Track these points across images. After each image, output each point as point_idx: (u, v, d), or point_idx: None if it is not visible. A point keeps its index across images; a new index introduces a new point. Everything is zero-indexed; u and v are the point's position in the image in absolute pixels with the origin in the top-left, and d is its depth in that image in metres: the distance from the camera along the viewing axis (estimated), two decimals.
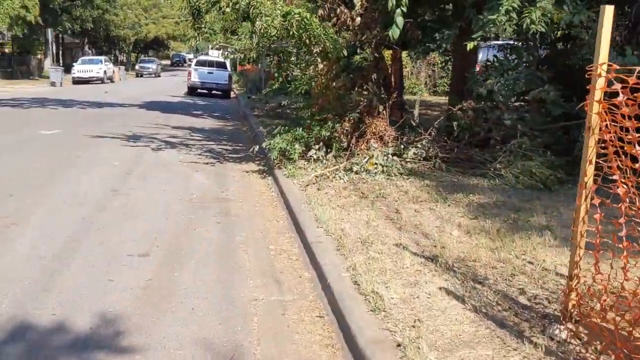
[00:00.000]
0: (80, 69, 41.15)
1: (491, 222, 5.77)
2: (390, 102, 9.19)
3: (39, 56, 48.90)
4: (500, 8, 6.74)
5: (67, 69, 43.10)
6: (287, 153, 8.76)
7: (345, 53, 8.35)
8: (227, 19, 9.38)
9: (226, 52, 12.27)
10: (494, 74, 9.03)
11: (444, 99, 23.54)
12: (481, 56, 20.59)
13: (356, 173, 8.00)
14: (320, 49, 8.35)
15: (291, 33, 8.08)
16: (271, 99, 26.70)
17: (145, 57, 72.79)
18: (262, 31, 7.93)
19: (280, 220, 6.62)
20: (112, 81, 43.06)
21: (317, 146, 8.83)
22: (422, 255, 4.83)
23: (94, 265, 4.87)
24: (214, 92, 30.01)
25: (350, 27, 8.22)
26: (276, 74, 9.99)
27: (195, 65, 31.01)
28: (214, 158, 10.67)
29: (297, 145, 8.72)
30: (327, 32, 7.94)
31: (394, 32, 6.53)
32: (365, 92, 9.22)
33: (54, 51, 56.33)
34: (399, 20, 6.52)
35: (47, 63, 47.77)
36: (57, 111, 18.50)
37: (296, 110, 12.99)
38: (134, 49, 75.75)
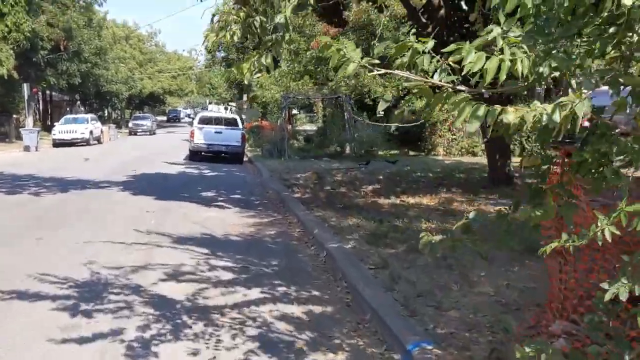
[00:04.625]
0: (62, 129, 34.91)
1: None
2: None
3: (22, 116, 42.70)
4: None
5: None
6: None
7: None
8: None
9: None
10: None
11: None
12: None
13: None
14: None
15: None
16: (298, 162, 20.46)
17: (139, 113, 66.99)
18: None
19: None
20: (99, 142, 36.83)
21: None
22: None
23: None
24: (223, 155, 23.53)
25: None
26: None
27: (199, 122, 24.57)
28: None
29: None
30: None
31: None
32: None
33: (40, 109, 50.34)
34: None
35: (29, 123, 41.43)
36: None
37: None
38: (128, 105, 70.12)
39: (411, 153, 22.41)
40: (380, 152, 22.31)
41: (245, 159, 24.53)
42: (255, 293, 6.07)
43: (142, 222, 9.75)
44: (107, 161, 22.86)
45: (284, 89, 26.20)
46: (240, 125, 25.11)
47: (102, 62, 48.75)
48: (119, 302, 5.61)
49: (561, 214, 2.56)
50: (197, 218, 10.39)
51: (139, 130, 50.88)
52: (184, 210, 11.33)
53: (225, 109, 58.72)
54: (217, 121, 24.64)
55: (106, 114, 63.82)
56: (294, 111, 40.83)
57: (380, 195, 12.02)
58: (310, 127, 41.32)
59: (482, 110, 2.36)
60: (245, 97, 40.07)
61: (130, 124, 54.18)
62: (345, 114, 23.61)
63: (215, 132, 23.52)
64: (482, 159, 20.10)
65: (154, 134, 51.24)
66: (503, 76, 2.31)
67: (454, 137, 21.75)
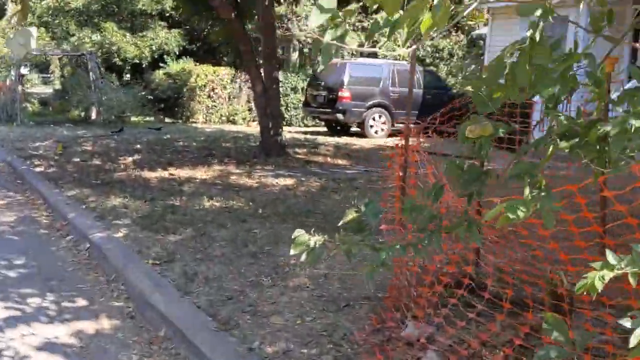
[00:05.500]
0: None
1: None
2: None
3: None
4: None
5: None
6: None
7: None
8: None
9: None
10: None
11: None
12: None
13: None
14: None
15: None
16: (35, 129, 17.26)
17: None
18: None
19: None
20: None
21: None
22: None
23: None
24: None
25: None
26: None
27: None
28: None
29: None
30: None
31: None
32: None
33: None
34: None
35: None
36: None
37: None
38: None
39: (167, 120, 20.74)
40: (133, 118, 20.26)
41: None
42: None
43: None
44: None
45: None
46: None
47: None
48: None
49: (537, 210, 1.66)
50: None
51: None
52: None
53: None
54: None
55: None
56: (24, 70, 35.65)
57: (144, 167, 10.48)
58: (44, 90, 36.61)
59: None
60: None
61: None
62: (91, 74, 20.93)
63: None
64: (244, 128, 19.42)
65: None
66: None
67: (214, 104, 20.63)
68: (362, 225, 2.17)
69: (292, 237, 2.17)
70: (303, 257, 2.16)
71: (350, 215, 2.17)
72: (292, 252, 2.17)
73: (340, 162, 12.06)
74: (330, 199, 7.97)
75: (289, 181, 9.31)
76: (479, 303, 3.24)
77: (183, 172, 9.96)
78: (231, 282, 4.71)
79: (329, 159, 12.26)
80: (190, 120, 20.56)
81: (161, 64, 22.04)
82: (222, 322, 3.95)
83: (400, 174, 3.79)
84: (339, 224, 2.21)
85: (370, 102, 17.23)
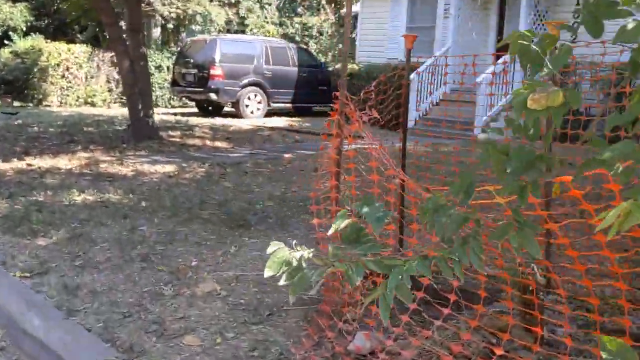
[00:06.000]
0: None
1: None
2: None
3: None
4: None
5: None
6: None
7: None
8: None
9: None
10: None
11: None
12: None
13: None
14: None
15: None
16: None
17: None
18: None
19: None
20: None
21: None
22: None
23: None
24: None
25: None
26: None
27: None
28: None
29: None
30: None
31: None
32: None
33: None
34: None
35: None
36: None
37: None
38: None
39: (16, 103, 18.54)
40: None
41: None
42: None
43: None
44: None
45: None
46: None
47: None
48: None
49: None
50: None
51: None
52: None
53: None
54: None
55: None
56: None
57: None
58: None
59: None
60: None
61: None
62: None
63: None
64: (105, 110, 17.91)
65: None
66: None
67: (69, 84, 18.75)
68: (359, 235, 1.58)
69: (268, 252, 1.53)
70: (283, 281, 1.53)
71: (344, 220, 1.57)
72: (266, 273, 1.53)
73: (220, 144, 11.28)
74: (220, 186, 7.24)
75: (169, 168, 8.44)
76: (444, 305, 2.78)
77: (43, 162, 8.71)
78: (125, 295, 3.91)
79: (207, 142, 11.43)
80: (43, 103, 18.58)
81: (6, 42, 19.69)
82: (123, 349, 3.18)
83: (336, 157, 3.22)
84: (329, 233, 1.60)
85: (245, 81, 16.47)
